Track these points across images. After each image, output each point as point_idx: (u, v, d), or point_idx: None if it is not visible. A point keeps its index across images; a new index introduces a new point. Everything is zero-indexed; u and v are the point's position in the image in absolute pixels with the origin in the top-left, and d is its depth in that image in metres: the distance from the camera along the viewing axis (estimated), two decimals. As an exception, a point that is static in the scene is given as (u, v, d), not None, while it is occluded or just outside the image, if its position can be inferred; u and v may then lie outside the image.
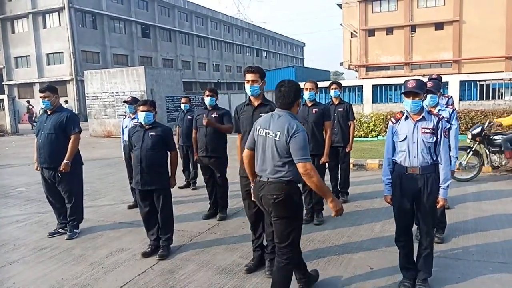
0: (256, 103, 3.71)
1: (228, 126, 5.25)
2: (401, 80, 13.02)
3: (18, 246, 4.76)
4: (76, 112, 30.40)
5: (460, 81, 12.64)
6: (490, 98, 12.56)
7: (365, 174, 8.09)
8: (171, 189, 4.44)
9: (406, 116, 3.28)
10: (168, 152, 4.35)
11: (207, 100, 5.38)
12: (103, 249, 4.58)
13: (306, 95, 5.10)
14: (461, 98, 12.61)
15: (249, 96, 3.74)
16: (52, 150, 4.80)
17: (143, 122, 4.15)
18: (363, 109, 13.64)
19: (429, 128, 3.18)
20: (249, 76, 3.62)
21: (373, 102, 13.73)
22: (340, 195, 6.11)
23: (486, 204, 5.72)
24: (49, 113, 4.89)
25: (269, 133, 2.94)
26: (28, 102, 26.15)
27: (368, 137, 12.78)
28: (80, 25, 33.28)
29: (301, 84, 4.68)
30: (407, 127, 3.25)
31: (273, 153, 2.91)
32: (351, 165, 8.57)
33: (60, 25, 32.74)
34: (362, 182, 7.44)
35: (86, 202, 6.64)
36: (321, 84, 12.88)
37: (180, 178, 7.91)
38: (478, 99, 12.57)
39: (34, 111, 24.71)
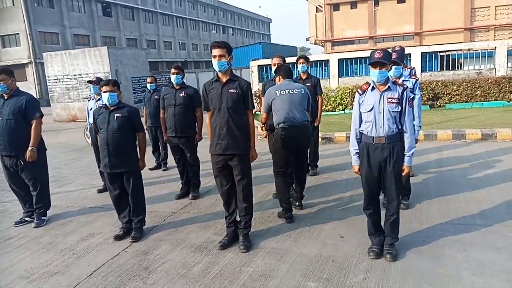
0: (224, 79, 3.66)
1: (200, 113, 5.28)
2: (366, 54, 13.20)
3: (-18, 238, 4.59)
4: (38, 97, 29.10)
5: (421, 53, 12.95)
6: (450, 69, 12.97)
7: (333, 147, 8.25)
8: (141, 171, 4.36)
9: (373, 87, 3.33)
10: (136, 133, 4.25)
11: (173, 78, 5.26)
12: (73, 235, 4.49)
13: (273, 70, 5.08)
14: (423, 70, 12.95)
15: (217, 72, 3.68)
16: (12, 137, 4.58)
17: (107, 103, 4.01)
18: (330, 84, 13.79)
19: (395, 98, 3.25)
20: (216, 51, 3.55)
21: (339, 76, 13.89)
22: (310, 168, 6.22)
23: (448, 170, 5.99)
24: (6, 97, 4.63)
25: (293, 90, 4.26)
26: None
27: (335, 111, 12.99)
28: (35, 4, 31.39)
29: (269, 60, 4.92)
30: (373, 98, 3.30)
31: (301, 102, 4.28)
32: (319, 139, 8.75)
33: (13, 5, 30.73)
34: (331, 154, 7.60)
35: (53, 188, 6.47)
36: (288, 59, 12.94)
37: (150, 159, 7.82)
38: (439, 70, 12.95)
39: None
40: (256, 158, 3.90)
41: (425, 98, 11.89)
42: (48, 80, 18.28)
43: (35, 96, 4.85)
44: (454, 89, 12.00)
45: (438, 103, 12.14)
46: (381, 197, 3.64)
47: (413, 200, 4.73)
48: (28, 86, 30.31)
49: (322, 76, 14.16)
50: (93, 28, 36.63)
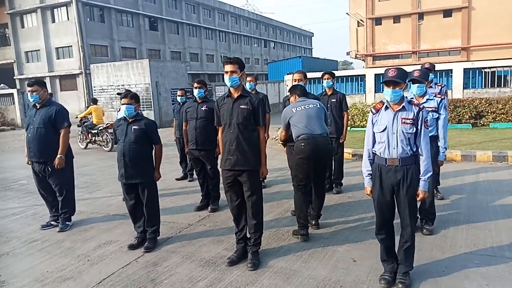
0: (235, 95, 3.66)
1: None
2: (407, 69, 12.80)
3: (10, 239, 4.83)
4: (86, 105, 30.71)
5: (464, 69, 12.35)
6: (496, 86, 12.25)
7: (364, 165, 7.97)
8: (158, 182, 4.43)
9: (386, 106, 3.20)
10: (153, 145, 4.33)
11: (196, 92, 5.35)
12: (92, 242, 4.62)
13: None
14: (465, 86, 12.34)
15: (229, 88, 3.69)
16: (42, 145, 4.84)
17: (124, 115, 4.14)
18: (365, 99, 13.47)
19: (409, 119, 3.10)
20: (228, 67, 3.58)
21: (376, 92, 13.55)
22: (334, 186, 6.05)
23: (483, 195, 5.60)
24: (38, 107, 4.91)
25: (308, 105, 4.32)
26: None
27: (371, 127, 12.62)
28: (88, 19, 33.40)
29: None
30: (387, 118, 3.17)
31: (318, 115, 4.31)
32: (350, 155, 8.54)
33: (68, 19, 32.89)
34: (359, 172, 7.28)
35: (83, 194, 6.77)
36: (314, 74, 12.82)
37: (178, 170, 7.97)
38: (482, 87, 12.27)
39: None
40: (266, 174, 3.85)
41: (467, 116, 11.30)
42: (94, 90, 19.26)
43: (63, 107, 5.09)
44: (500, 107, 11.29)
45: (481, 121, 11.48)
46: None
47: (439, 225, 4.45)
48: (78, 95, 32.19)
49: (358, 91, 13.89)
50: (139, 42, 38.32)
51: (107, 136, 11.45)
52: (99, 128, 11.68)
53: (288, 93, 4.74)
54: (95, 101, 12.78)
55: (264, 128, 3.79)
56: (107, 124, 11.66)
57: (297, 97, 4.50)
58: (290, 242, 4.27)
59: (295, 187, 4.39)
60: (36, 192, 6.89)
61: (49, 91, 22.59)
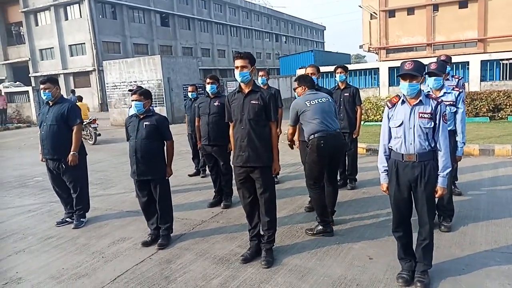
0: (246, 90, 3.60)
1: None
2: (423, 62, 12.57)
3: (26, 236, 4.89)
4: (99, 102, 31.06)
5: (481, 61, 12.03)
6: (515, 78, 11.93)
7: (378, 160, 7.85)
8: (170, 178, 4.42)
9: (403, 100, 3.10)
10: (165, 141, 4.31)
11: (208, 87, 5.32)
12: (106, 238, 4.64)
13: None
14: (483, 79, 12.03)
15: (239, 83, 3.63)
16: (55, 142, 4.87)
17: (134, 112, 4.12)
18: (379, 93, 13.26)
19: (427, 113, 2.99)
20: (238, 62, 3.52)
21: (389, 85, 13.32)
22: (348, 181, 5.97)
23: (502, 190, 5.45)
24: (50, 104, 4.94)
25: (322, 100, 4.15)
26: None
27: (385, 121, 12.43)
28: (100, 16, 33.61)
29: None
30: (403, 112, 3.07)
31: (331, 110, 4.18)
32: (364, 150, 8.42)
33: (81, 17, 33.16)
34: (374, 167, 7.16)
35: (97, 191, 6.81)
36: (326, 68, 12.65)
37: (190, 166, 7.97)
38: (501, 79, 11.95)
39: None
40: (279, 170, 3.79)
41: (485, 110, 11.02)
42: (107, 86, 19.40)
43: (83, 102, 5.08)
44: (519, 100, 10.98)
45: (499, 115, 11.19)
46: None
47: (457, 222, 4.34)
48: (92, 92, 32.48)
49: (372, 85, 13.68)
50: (151, 38, 38.44)
51: (90, 130, 12.86)
52: (84, 123, 12.22)
53: (295, 83, 4.41)
54: (80, 99, 13.97)
55: (276, 123, 3.72)
56: (90, 119, 12.91)
57: (306, 88, 4.29)
58: (304, 239, 4.21)
59: (310, 185, 4.24)
60: (51, 189, 6.94)
61: (63, 88, 22.62)
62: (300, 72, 14.95)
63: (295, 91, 4.44)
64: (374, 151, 8.40)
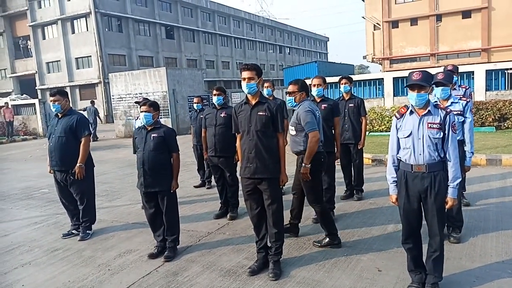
0: (253, 102, 3.61)
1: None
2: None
3: (32, 248, 4.88)
4: (105, 114, 31.26)
5: (486, 70, 12.01)
6: (520, 87, 11.88)
7: (384, 170, 7.76)
8: (179, 190, 4.41)
9: (411, 110, 3.09)
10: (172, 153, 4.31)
11: (215, 99, 5.34)
12: (112, 251, 4.62)
13: (314, 91, 4.96)
14: (488, 88, 11.99)
15: (246, 95, 3.64)
16: (63, 153, 4.89)
17: (143, 123, 4.14)
18: (384, 103, 13.25)
19: (436, 123, 2.98)
20: (245, 74, 3.53)
21: (394, 95, 13.29)
22: (354, 192, 5.93)
23: (511, 200, 5.38)
24: (59, 116, 4.98)
25: (319, 111, 4.16)
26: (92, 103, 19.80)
27: (389, 131, 12.41)
28: (106, 29, 34.08)
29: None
30: (412, 123, 3.06)
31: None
32: (369, 161, 8.38)
33: (87, 30, 33.65)
34: (380, 178, 7.17)
35: (103, 202, 6.81)
36: (330, 79, 12.67)
37: (196, 177, 7.96)
38: (506, 88, 11.91)
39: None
40: (286, 182, 3.77)
41: (491, 119, 10.98)
42: (113, 98, 19.55)
43: (85, 115, 5.12)
44: (525, 110, 10.94)
45: (505, 124, 11.14)
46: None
47: (466, 233, 4.29)
48: (98, 104, 32.61)
49: (376, 96, 13.67)
50: (156, 50, 38.86)
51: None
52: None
53: (295, 87, 4.03)
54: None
55: (283, 134, 3.72)
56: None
57: (305, 96, 4.08)
58: (312, 251, 4.17)
59: (317, 201, 4.11)
60: (57, 200, 6.98)
61: (69, 100, 22.94)
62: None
63: (290, 95, 4.06)
64: (380, 161, 8.37)
